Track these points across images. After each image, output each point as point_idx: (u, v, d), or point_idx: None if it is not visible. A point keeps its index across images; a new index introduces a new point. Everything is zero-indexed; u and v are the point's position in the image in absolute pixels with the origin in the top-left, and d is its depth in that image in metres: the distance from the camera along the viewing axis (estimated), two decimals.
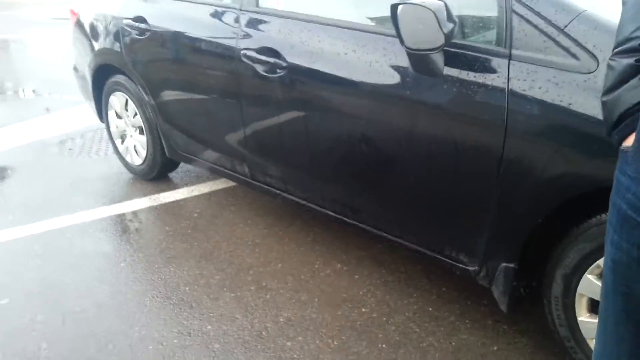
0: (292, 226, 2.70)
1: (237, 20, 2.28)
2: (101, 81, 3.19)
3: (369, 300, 2.15)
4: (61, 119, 4.53)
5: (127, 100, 3.06)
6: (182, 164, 3.24)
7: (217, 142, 2.60)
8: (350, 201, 2.15)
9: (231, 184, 3.13)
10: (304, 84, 2.05)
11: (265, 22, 2.19)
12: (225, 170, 2.66)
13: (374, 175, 1.97)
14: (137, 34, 2.74)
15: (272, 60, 2.10)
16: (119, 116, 3.21)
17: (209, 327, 2.01)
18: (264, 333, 1.98)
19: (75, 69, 3.51)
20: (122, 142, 3.28)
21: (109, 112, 3.27)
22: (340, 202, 2.19)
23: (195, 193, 3.11)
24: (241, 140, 2.42)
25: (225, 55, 2.30)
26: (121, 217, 2.86)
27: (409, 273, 2.31)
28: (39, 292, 2.23)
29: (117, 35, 2.88)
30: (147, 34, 2.68)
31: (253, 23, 2.23)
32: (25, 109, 4.98)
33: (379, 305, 2.12)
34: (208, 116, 2.56)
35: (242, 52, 2.20)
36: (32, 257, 2.49)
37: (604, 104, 0.87)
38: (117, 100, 3.14)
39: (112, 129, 3.30)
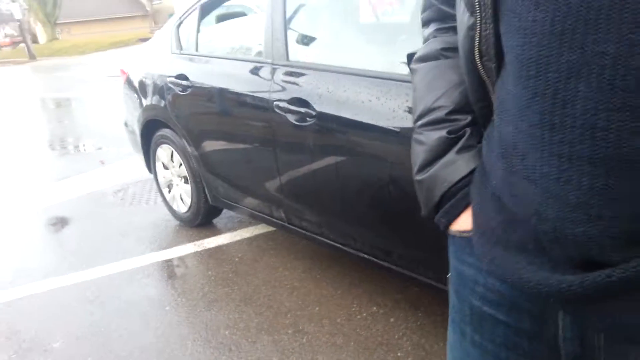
0: (330, 269, 2.75)
1: (269, 73, 2.41)
2: (149, 135, 3.39)
3: (404, 344, 2.16)
4: (115, 171, 4.79)
5: (172, 152, 3.23)
6: (225, 210, 3.36)
7: (255, 189, 2.71)
8: (382, 243, 2.19)
9: (272, 228, 3.22)
10: (332, 131, 2.14)
11: (295, 74, 2.31)
12: (264, 216, 2.75)
13: (401, 217, 2.02)
14: (180, 90, 2.92)
15: (302, 110, 2.20)
16: (165, 167, 3.38)
17: None
18: None
19: (125, 124, 3.75)
20: (169, 191, 3.44)
21: (157, 164, 3.45)
22: (372, 244, 2.23)
23: (237, 238, 3.21)
24: (277, 186, 2.52)
25: (260, 106, 2.42)
26: (167, 263, 2.98)
27: (445, 316, 2.30)
28: (88, 336, 2.35)
29: (162, 92, 3.07)
30: (189, 89, 2.86)
31: (284, 76, 2.35)
32: (84, 162, 5.29)
33: (414, 349, 2.12)
34: (246, 164, 2.67)
35: (275, 103, 2.32)
36: (83, 303, 2.63)
37: (419, 183, 0.76)
38: (163, 152, 3.33)
39: (160, 179, 3.48)
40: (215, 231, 3.33)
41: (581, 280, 0.52)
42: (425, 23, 0.83)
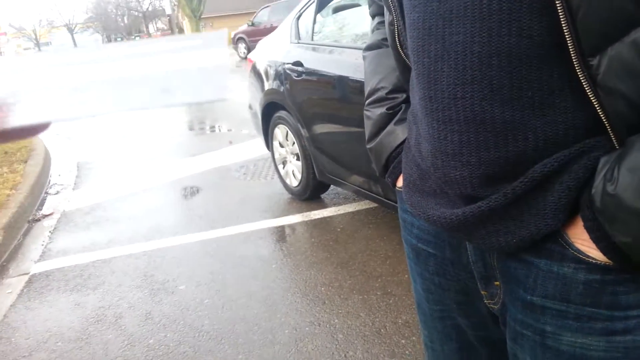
0: None
1: None
2: (268, 116, 3.78)
3: None
4: (240, 150, 5.31)
5: (287, 131, 3.59)
6: (332, 187, 3.67)
7: (355, 166, 2.97)
8: None
9: (373, 204, 3.47)
10: None
11: None
12: (364, 191, 3.01)
13: None
14: (295, 76, 3.25)
15: None
16: (281, 145, 3.76)
17: (336, 320, 2.34)
18: (382, 330, 2.25)
19: (250, 107, 4.18)
20: (283, 167, 3.82)
21: (274, 142, 3.84)
22: None
23: (341, 211, 3.50)
24: None
25: (361, 90, 2.67)
26: (277, 229, 3.35)
27: None
28: (208, 283, 2.77)
29: (281, 77, 3.43)
30: (303, 75, 3.18)
31: None
32: (215, 141, 5.89)
33: None
34: (349, 144, 2.94)
35: None
36: (205, 256, 3.07)
37: (370, 150, 0.92)
38: (279, 132, 3.70)
39: (276, 156, 3.87)
40: (322, 205, 3.66)
41: (462, 212, 0.65)
42: (372, 16, 1.00)
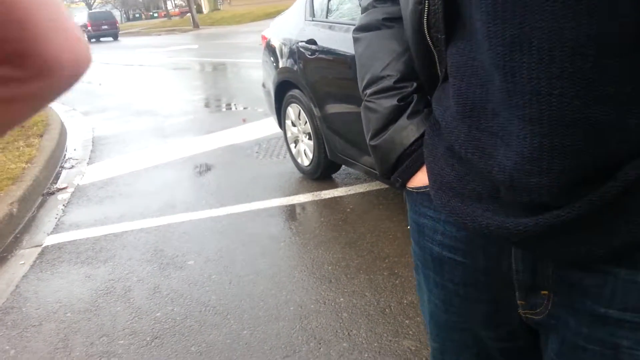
0: None
1: None
2: (281, 95, 3.77)
3: None
4: (254, 128, 5.31)
5: (300, 110, 3.57)
6: (343, 167, 3.66)
7: (367, 147, 2.94)
8: None
9: (384, 186, 3.46)
10: None
11: None
12: (375, 172, 2.99)
13: None
14: (309, 54, 3.23)
15: None
16: (293, 124, 3.75)
17: (341, 299, 2.35)
18: (387, 310, 2.26)
19: (263, 85, 4.16)
20: (295, 146, 3.81)
21: (287, 121, 3.83)
22: None
23: (352, 192, 3.50)
24: None
25: None
26: (287, 207, 3.36)
27: None
28: (216, 259, 2.79)
29: (294, 56, 3.41)
30: (316, 53, 3.15)
31: None
32: (230, 119, 5.90)
33: None
34: (361, 124, 2.91)
35: None
36: (214, 233, 3.09)
37: (374, 148, 0.81)
38: (292, 111, 3.68)
39: (288, 134, 3.86)
40: (333, 185, 3.65)
41: (535, 222, 0.57)
42: None
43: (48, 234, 3.36)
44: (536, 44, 0.50)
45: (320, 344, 2.07)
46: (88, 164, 4.88)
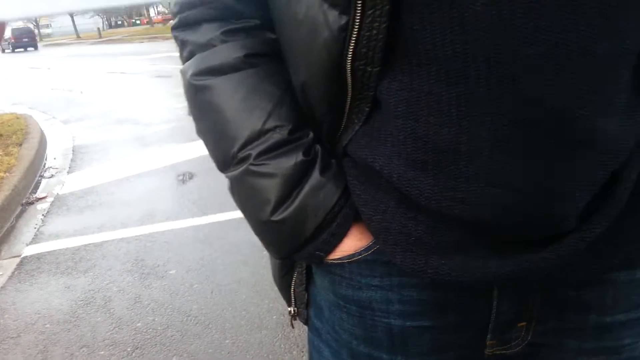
0: None
1: None
2: None
3: None
4: None
5: None
6: None
7: None
8: None
9: None
10: None
11: None
12: None
13: None
14: None
15: None
16: None
17: None
18: None
19: None
20: None
21: None
22: None
23: None
24: None
25: None
26: None
27: None
28: (198, 268, 2.78)
29: None
30: None
31: None
32: None
33: None
34: None
35: None
36: (196, 242, 3.08)
37: (278, 224, 0.60)
38: None
39: None
40: None
41: (558, 254, 0.52)
42: (195, 23, 0.63)
43: (27, 244, 3.32)
44: (568, 63, 0.44)
45: (302, 352, 2.06)
46: (68, 173, 4.83)
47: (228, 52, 0.61)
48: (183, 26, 0.64)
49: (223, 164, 0.63)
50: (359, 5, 0.48)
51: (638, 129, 0.50)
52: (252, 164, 0.59)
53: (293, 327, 0.80)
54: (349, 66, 0.52)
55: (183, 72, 0.64)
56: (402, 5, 0.48)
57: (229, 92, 0.61)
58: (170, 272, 2.77)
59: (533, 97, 0.45)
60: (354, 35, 0.50)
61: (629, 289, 0.57)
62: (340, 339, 0.67)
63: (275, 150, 0.59)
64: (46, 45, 30.28)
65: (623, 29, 0.45)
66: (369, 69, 0.52)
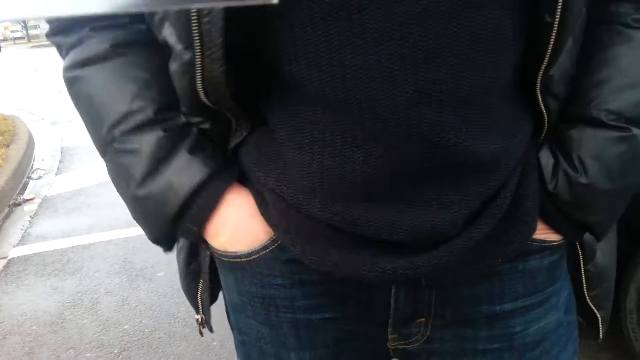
0: None
1: None
2: None
3: None
4: None
5: None
6: None
7: None
8: None
9: None
10: None
11: None
12: None
13: None
14: None
15: None
16: None
17: None
18: None
19: None
20: None
21: None
22: None
23: None
24: None
25: None
26: None
27: None
28: None
29: None
30: None
31: None
32: None
33: None
34: None
35: None
36: None
37: (144, 199, 0.60)
38: None
39: None
40: None
41: (449, 251, 0.55)
42: (63, 31, 0.64)
43: (14, 246, 3.30)
44: (451, 97, 0.49)
45: None
46: (56, 174, 4.81)
47: (96, 45, 0.61)
48: (55, 32, 0.65)
49: (100, 150, 0.64)
50: (197, 45, 0.49)
51: (520, 146, 0.57)
52: (117, 142, 0.60)
53: (202, 335, 0.79)
54: (203, 97, 0.53)
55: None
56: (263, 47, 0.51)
57: (97, 81, 0.61)
58: (159, 274, 2.77)
59: (410, 130, 0.49)
60: (199, 73, 0.51)
61: (514, 279, 0.62)
62: (248, 339, 0.68)
63: (139, 128, 0.59)
64: (34, 47, 30.06)
65: (482, 68, 0.50)
66: (225, 103, 0.54)
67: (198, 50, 0.49)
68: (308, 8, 0.47)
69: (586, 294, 0.69)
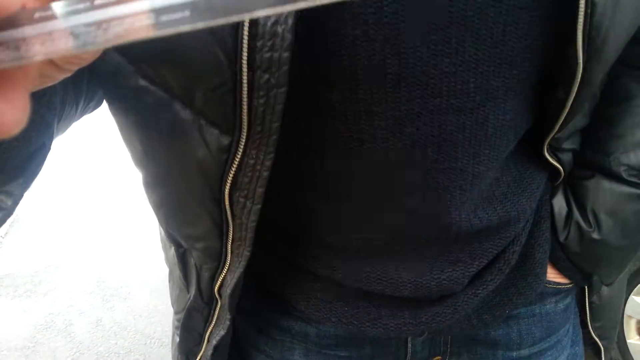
0: None
1: None
2: None
3: None
4: None
5: None
6: None
7: None
8: None
9: None
10: None
11: None
12: None
13: None
14: None
15: None
16: None
17: None
18: None
19: None
20: None
21: None
22: None
23: None
24: None
25: None
26: None
27: None
28: (161, 289, 2.72)
29: None
30: None
31: None
32: None
33: None
34: None
35: None
36: (160, 262, 2.97)
37: None
38: None
39: None
40: None
41: (453, 308, 0.56)
42: None
43: None
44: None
45: None
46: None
47: None
48: None
49: None
50: (244, 124, 0.40)
51: (532, 202, 0.56)
52: None
53: None
54: (226, 192, 0.45)
55: None
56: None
57: None
58: (133, 293, 2.72)
59: (411, 207, 0.49)
60: (237, 160, 0.43)
61: (530, 324, 0.62)
62: None
63: None
64: None
65: (462, 156, 0.47)
66: (245, 201, 0.45)
67: (244, 134, 0.42)
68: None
69: (590, 325, 0.69)
